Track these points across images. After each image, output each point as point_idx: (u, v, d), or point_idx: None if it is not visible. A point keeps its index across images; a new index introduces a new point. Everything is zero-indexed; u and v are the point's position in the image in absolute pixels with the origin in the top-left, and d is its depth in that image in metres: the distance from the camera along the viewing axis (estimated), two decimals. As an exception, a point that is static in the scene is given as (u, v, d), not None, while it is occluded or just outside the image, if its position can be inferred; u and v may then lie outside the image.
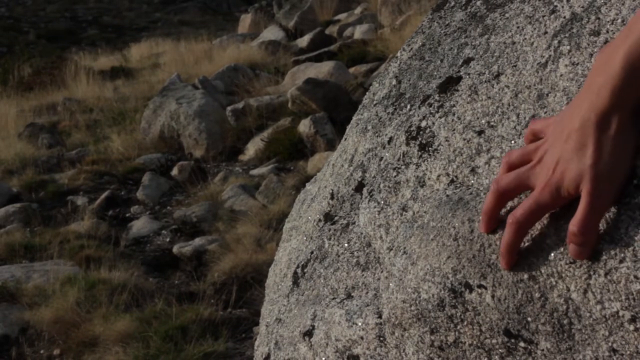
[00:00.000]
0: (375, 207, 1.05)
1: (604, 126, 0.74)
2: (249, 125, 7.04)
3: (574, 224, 0.74)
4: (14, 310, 4.04)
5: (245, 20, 13.76)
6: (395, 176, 1.05)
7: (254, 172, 6.31)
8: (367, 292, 1.01)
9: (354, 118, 1.32)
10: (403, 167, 1.04)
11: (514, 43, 1.00)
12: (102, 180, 6.65)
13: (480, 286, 0.82)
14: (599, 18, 0.88)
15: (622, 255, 0.72)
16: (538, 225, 0.79)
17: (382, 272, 0.99)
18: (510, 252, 0.80)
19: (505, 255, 0.80)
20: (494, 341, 0.81)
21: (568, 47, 0.90)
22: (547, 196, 0.77)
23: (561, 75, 0.90)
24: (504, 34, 1.04)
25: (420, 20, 6.29)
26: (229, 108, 7.29)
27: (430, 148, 1.01)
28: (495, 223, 0.84)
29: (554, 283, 0.76)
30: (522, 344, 0.79)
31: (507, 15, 1.07)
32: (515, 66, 0.97)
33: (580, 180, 0.74)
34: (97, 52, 14.08)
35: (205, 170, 6.46)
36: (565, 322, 0.75)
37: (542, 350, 0.77)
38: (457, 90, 1.03)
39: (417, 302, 0.88)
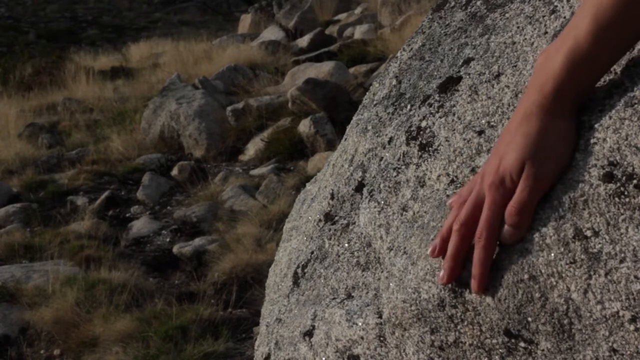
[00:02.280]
0: (375, 207, 1.05)
1: (546, 116, 0.78)
2: (249, 125, 7.04)
3: (512, 204, 0.78)
4: (14, 310, 4.04)
5: (245, 20, 13.76)
6: (395, 176, 1.05)
7: (254, 172, 6.31)
8: (367, 292, 1.01)
9: (354, 118, 1.32)
10: (403, 167, 1.04)
11: (514, 43, 1.00)
12: (102, 180, 6.65)
13: (480, 286, 0.82)
14: (599, 18, 0.88)
15: (622, 255, 0.72)
16: (538, 226, 0.79)
17: (382, 272, 0.99)
18: (485, 270, 0.80)
19: (481, 276, 0.80)
20: (494, 341, 0.81)
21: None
22: (497, 196, 0.80)
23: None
24: (504, 34, 1.04)
25: (420, 20, 6.29)
26: (229, 108, 7.29)
27: (430, 148, 1.01)
28: (461, 268, 0.83)
29: (554, 283, 0.76)
30: (522, 344, 0.79)
31: (507, 15, 1.07)
32: (515, 66, 0.97)
33: (523, 163, 0.78)
34: (97, 52, 14.08)
35: (205, 170, 6.46)
36: (565, 322, 0.76)
37: (543, 350, 0.77)
38: (457, 90, 1.03)
39: (417, 302, 0.88)
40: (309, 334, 1.06)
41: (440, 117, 1.03)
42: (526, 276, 0.78)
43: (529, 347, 0.78)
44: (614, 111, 0.78)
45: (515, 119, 0.81)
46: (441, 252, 0.86)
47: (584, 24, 0.76)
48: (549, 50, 0.80)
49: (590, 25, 0.76)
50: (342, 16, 11.36)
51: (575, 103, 0.80)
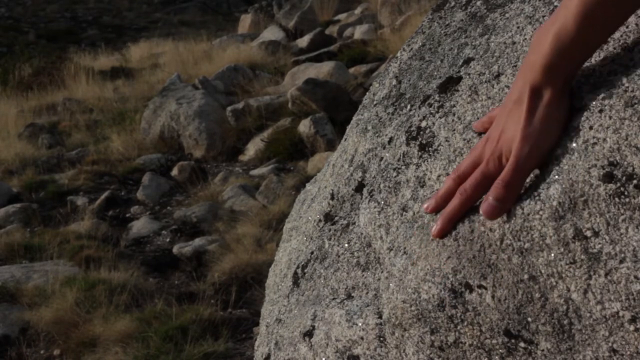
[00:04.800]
0: (375, 207, 1.05)
1: (536, 97, 0.82)
2: (249, 125, 7.04)
3: (499, 179, 0.82)
4: (14, 310, 4.04)
5: (245, 21, 13.76)
6: (395, 176, 1.05)
7: (254, 172, 6.31)
8: (367, 293, 1.01)
9: (354, 118, 1.32)
10: (403, 167, 1.04)
11: (514, 43, 1.00)
12: (102, 181, 6.65)
13: (480, 286, 0.82)
14: (599, 18, 0.88)
15: (622, 255, 0.72)
16: (538, 226, 0.79)
17: (382, 272, 0.99)
18: (450, 220, 0.87)
19: (444, 221, 0.88)
20: (494, 341, 0.81)
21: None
22: (491, 166, 0.85)
23: (561, 76, 0.89)
24: (504, 34, 1.04)
25: (420, 20, 6.29)
26: (229, 108, 7.29)
27: (430, 148, 1.01)
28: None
29: (554, 283, 0.76)
30: (522, 344, 0.79)
31: (507, 15, 1.07)
32: (515, 66, 0.97)
33: (512, 143, 0.83)
34: (97, 52, 14.08)
35: (205, 171, 6.46)
36: (565, 322, 0.76)
37: (542, 350, 0.77)
38: (457, 91, 1.03)
39: (417, 302, 0.88)
40: (308, 334, 1.06)
41: (440, 117, 1.03)
42: (526, 276, 0.78)
43: (529, 347, 0.78)
44: (614, 111, 0.78)
45: (513, 95, 0.85)
46: (435, 209, 0.93)
47: (572, 5, 0.78)
48: (543, 28, 0.83)
49: (578, 6, 0.77)
50: (342, 16, 11.36)
51: (567, 82, 0.82)
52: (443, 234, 0.88)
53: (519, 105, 0.83)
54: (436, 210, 0.91)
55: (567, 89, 0.83)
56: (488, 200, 0.83)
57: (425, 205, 0.93)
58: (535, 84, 0.82)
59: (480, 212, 0.83)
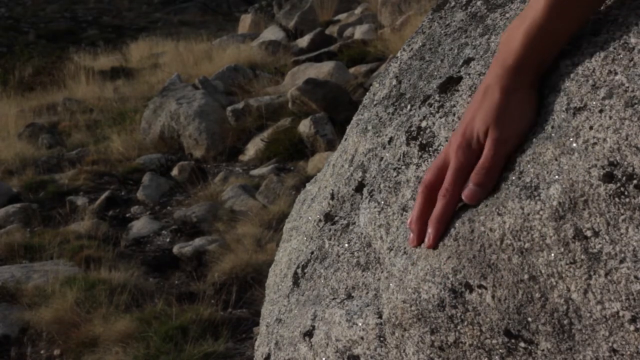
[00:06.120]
0: (375, 207, 1.05)
1: (508, 86, 0.85)
2: (249, 125, 7.05)
3: (480, 164, 0.84)
4: (14, 310, 4.04)
5: (245, 21, 13.76)
6: (395, 176, 1.05)
7: (254, 172, 6.31)
8: (367, 292, 1.01)
9: (354, 118, 1.32)
10: (403, 167, 1.04)
11: (514, 43, 1.00)
12: (102, 181, 6.65)
13: (480, 286, 0.82)
14: (599, 18, 0.88)
15: (622, 255, 0.72)
16: (538, 226, 0.79)
17: (382, 272, 0.99)
18: (442, 222, 0.87)
19: (437, 231, 0.87)
20: (494, 341, 0.81)
21: (568, 47, 0.90)
22: (462, 158, 0.86)
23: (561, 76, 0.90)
24: (504, 34, 1.04)
25: (420, 20, 6.29)
26: (229, 108, 7.30)
27: (430, 148, 1.01)
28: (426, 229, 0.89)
29: (555, 283, 0.76)
30: (522, 344, 0.79)
31: (507, 15, 1.07)
32: (515, 66, 0.97)
33: (488, 126, 0.84)
34: (97, 52, 14.09)
35: (205, 171, 6.46)
36: (565, 322, 0.76)
37: (543, 350, 0.77)
38: (458, 91, 1.03)
39: (417, 302, 0.88)
40: (309, 334, 1.06)
41: (440, 117, 1.03)
42: (526, 276, 0.78)
43: (529, 347, 0.78)
44: (614, 111, 0.78)
45: (480, 91, 0.88)
46: (419, 241, 0.91)
47: (540, 4, 0.82)
48: (510, 29, 0.86)
49: (545, 3, 0.82)
50: (342, 16, 11.36)
51: (536, 74, 0.86)
52: (437, 241, 0.87)
53: (489, 94, 0.85)
54: (421, 238, 0.90)
55: (536, 80, 0.86)
56: (469, 187, 0.84)
57: (410, 238, 0.92)
58: (506, 77, 0.84)
59: (463, 198, 0.85)
